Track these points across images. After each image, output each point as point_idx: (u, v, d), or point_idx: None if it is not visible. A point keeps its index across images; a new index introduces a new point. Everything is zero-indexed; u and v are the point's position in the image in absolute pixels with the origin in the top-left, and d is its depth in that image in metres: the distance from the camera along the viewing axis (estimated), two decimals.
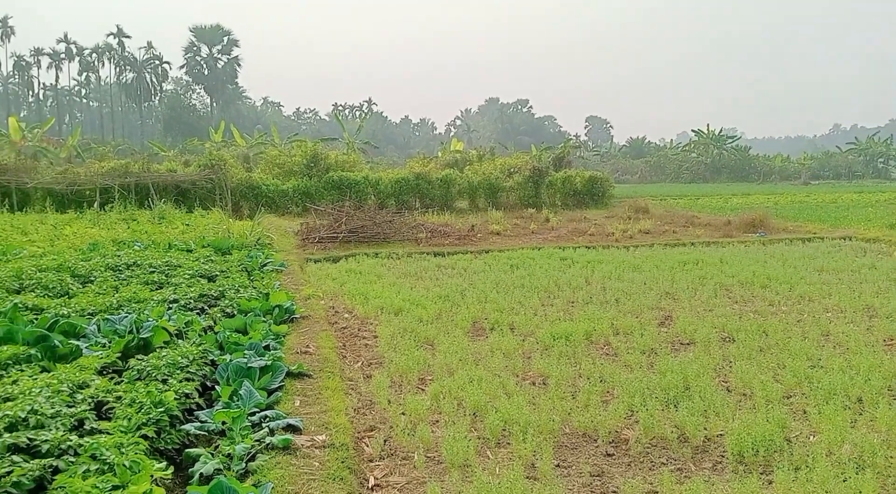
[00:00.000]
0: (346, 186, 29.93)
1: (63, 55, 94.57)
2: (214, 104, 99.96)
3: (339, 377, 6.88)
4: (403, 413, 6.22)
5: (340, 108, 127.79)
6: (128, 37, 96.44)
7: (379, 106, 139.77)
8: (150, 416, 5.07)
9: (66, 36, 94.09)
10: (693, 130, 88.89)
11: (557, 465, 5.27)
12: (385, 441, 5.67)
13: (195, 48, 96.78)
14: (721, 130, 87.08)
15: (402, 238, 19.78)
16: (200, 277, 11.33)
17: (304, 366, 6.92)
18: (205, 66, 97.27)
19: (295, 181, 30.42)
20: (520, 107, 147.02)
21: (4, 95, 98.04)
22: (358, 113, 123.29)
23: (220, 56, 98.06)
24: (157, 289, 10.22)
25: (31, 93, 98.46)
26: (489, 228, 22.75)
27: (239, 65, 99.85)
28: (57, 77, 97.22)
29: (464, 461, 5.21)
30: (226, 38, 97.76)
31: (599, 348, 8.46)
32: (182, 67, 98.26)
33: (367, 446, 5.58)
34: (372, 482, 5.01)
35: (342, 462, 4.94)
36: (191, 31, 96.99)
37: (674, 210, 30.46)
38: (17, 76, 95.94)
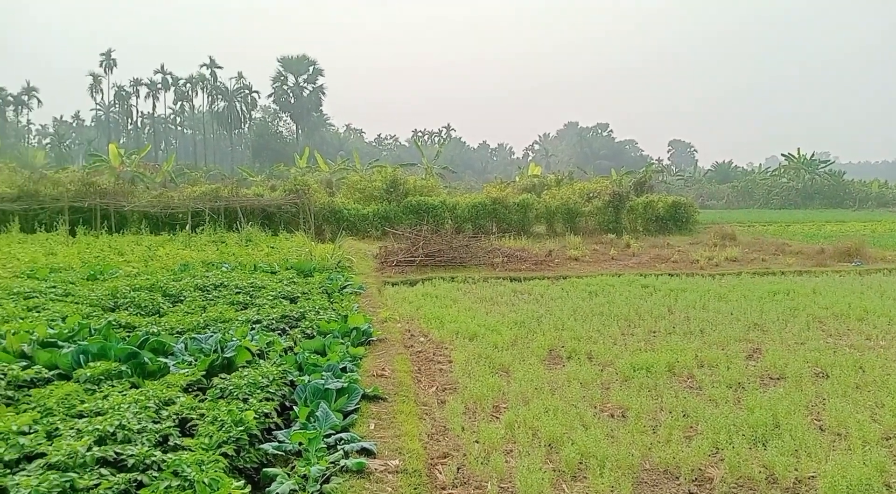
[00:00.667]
0: (424, 210, 30.28)
1: (160, 85, 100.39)
2: (300, 131, 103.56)
3: (413, 402, 6.88)
4: (477, 441, 6.14)
5: (420, 133, 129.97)
6: (219, 67, 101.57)
7: (457, 131, 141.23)
8: (231, 434, 5.19)
9: (162, 67, 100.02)
10: (783, 154, 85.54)
11: None
12: (458, 468, 5.61)
13: (282, 78, 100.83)
14: (813, 155, 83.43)
15: (479, 263, 19.77)
16: (283, 298, 11.64)
17: (379, 389, 6.96)
18: (291, 94, 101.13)
19: (375, 206, 31.01)
20: (599, 131, 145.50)
21: (106, 123, 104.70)
22: (437, 138, 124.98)
23: (305, 85, 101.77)
24: (241, 309, 10.56)
25: (130, 121, 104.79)
26: (567, 253, 22.46)
27: (323, 93, 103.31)
28: (154, 106, 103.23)
29: (538, 493, 5.08)
30: (311, 68, 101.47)
31: (682, 380, 8.14)
32: (270, 95, 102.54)
33: (440, 473, 5.53)
34: None
35: (415, 489, 4.91)
36: (278, 61, 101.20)
37: (762, 237, 29.25)
38: (117, 105, 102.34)
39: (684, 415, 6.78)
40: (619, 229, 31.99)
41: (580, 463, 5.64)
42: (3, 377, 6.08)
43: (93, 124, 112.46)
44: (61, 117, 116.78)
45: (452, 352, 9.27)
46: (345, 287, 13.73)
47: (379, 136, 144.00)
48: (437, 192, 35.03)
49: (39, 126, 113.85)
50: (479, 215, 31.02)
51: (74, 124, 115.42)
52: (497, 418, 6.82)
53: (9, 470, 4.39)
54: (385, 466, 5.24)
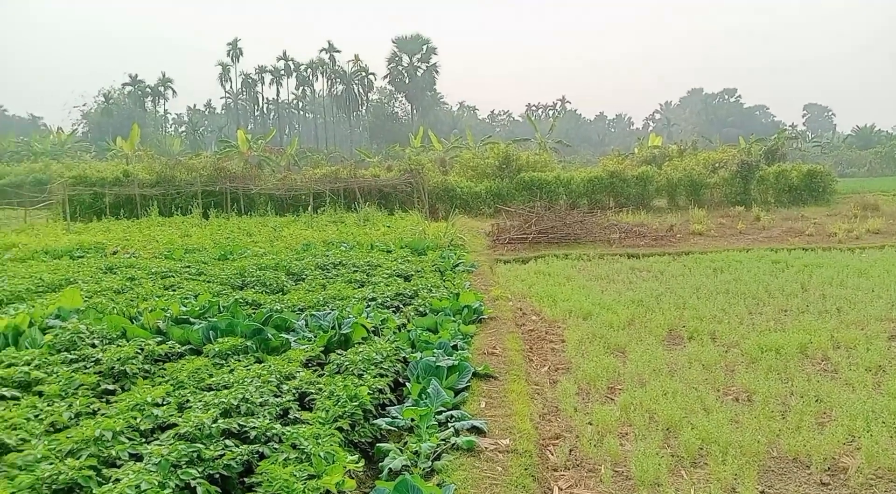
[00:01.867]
0: (537, 186, 29.88)
1: (283, 72, 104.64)
2: (414, 111, 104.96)
3: (524, 381, 6.81)
4: (590, 423, 5.99)
5: (534, 108, 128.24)
6: (338, 51, 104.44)
7: (573, 104, 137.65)
8: (346, 409, 5.34)
9: (284, 54, 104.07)
10: None
11: (762, 492, 4.76)
12: (570, 450, 5.49)
13: (397, 58, 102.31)
14: None
15: (594, 239, 19.29)
16: (397, 276, 11.86)
17: (490, 367, 6.94)
18: (406, 75, 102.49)
19: (487, 183, 30.94)
20: (726, 97, 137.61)
21: (235, 110, 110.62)
22: (551, 112, 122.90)
23: (419, 65, 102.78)
24: (358, 287, 10.86)
25: (256, 107, 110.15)
26: (690, 227, 21.47)
27: (437, 72, 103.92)
28: (278, 92, 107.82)
29: (655, 479, 4.88)
30: (425, 47, 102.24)
31: (816, 363, 7.57)
32: (385, 77, 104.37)
33: (552, 454, 5.44)
34: (556, 492, 4.87)
35: (525, 469, 4.86)
36: (393, 42, 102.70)
37: None
38: (245, 93, 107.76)
39: (817, 400, 6.30)
40: (747, 201, 30.20)
41: (700, 449, 5.37)
42: (140, 351, 6.55)
43: (223, 112, 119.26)
44: (194, 106, 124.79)
45: (565, 331, 9.10)
46: (457, 265, 13.81)
47: (492, 112, 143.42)
48: (550, 167, 34.46)
49: (175, 115, 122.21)
50: (594, 189, 30.25)
51: (206, 112, 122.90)
52: (611, 399, 6.63)
53: (144, 439, 4.73)
54: (496, 445, 5.22)
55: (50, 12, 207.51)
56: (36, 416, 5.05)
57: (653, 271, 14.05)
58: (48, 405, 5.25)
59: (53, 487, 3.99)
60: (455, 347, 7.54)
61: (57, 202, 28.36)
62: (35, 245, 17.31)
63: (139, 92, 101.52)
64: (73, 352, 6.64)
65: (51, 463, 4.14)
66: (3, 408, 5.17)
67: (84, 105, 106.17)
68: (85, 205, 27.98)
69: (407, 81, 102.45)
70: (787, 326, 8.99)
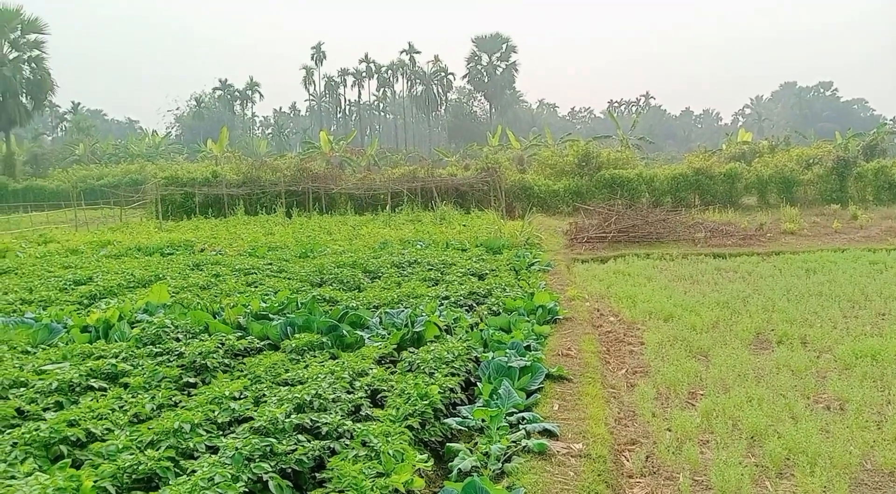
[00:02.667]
0: (618, 184, 29.21)
1: (364, 74, 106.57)
2: (493, 110, 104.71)
3: (600, 384, 6.61)
4: (669, 429, 5.75)
5: (616, 104, 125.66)
6: (417, 52, 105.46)
7: (657, 99, 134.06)
8: (416, 408, 5.32)
9: (366, 56, 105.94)
10: None
11: None
12: (647, 457, 5.29)
13: (476, 57, 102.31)
14: None
15: (678, 238, 18.67)
16: (471, 275, 11.81)
17: (563, 369, 6.78)
18: (485, 73, 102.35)
19: (566, 181, 30.48)
20: (822, 90, 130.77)
21: (318, 112, 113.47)
22: (634, 108, 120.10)
23: (498, 63, 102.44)
24: (432, 285, 10.87)
25: (339, 109, 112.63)
26: (781, 226, 20.47)
27: (516, 70, 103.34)
28: (359, 94, 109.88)
29: (737, 490, 4.63)
30: (504, 46, 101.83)
31: None
32: (464, 76, 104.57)
33: (627, 460, 5.25)
34: None
35: (599, 475, 4.70)
36: (472, 41, 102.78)
37: None
38: (328, 95, 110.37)
39: None
40: (843, 199, 28.54)
41: (787, 459, 5.06)
42: (221, 346, 6.75)
43: (307, 114, 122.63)
44: (280, 109, 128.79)
45: (645, 333, 8.81)
46: (532, 264, 13.64)
47: (572, 109, 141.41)
48: (632, 164, 33.61)
49: (262, 118, 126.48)
50: (679, 187, 29.29)
51: (291, 115, 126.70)
52: (692, 405, 6.35)
53: (220, 432, 4.86)
54: (568, 449, 5.08)
55: (147, 23, 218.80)
56: (121, 407, 5.27)
57: (740, 271, 13.45)
58: (132, 397, 5.48)
59: (133, 476, 4.14)
60: (528, 347, 7.42)
61: (150, 202, 29.82)
62: (129, 242, 18.23)
63: (228, 96, 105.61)
64: (158, 346, 6.91)
65: (132, 454, 4.30)
66: (91, 399, 5.42)
67: (177, 109, 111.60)
68: (176, 204, 29.30)
69: (486, 80, 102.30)
70: (884, 331, 8.41)
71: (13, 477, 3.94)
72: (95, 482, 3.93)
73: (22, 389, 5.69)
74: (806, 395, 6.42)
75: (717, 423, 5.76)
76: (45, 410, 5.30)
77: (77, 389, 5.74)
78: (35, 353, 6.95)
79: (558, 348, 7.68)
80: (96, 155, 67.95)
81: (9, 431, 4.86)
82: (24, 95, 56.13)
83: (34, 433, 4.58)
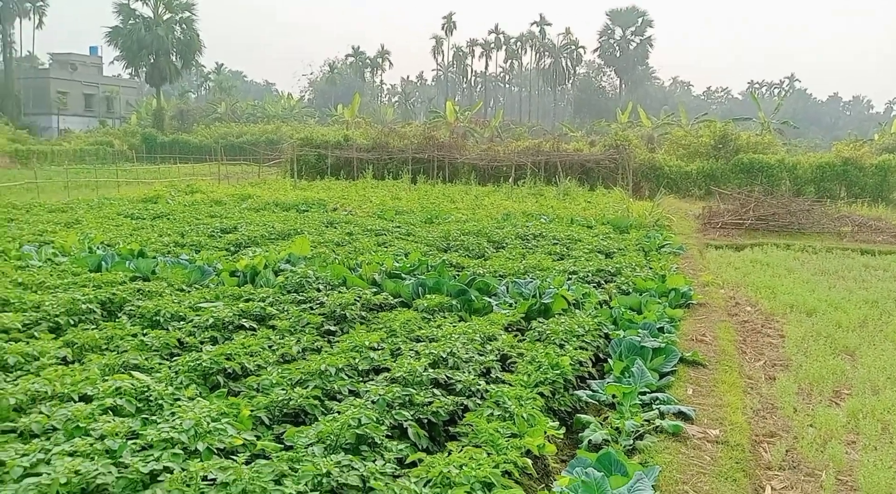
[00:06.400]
0: (756, 169, 27.58)
1: (493, 45, 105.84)
2: (623, 86, 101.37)
3: (737, 373, 6.36)
4: (811, 425, 5.46)
5: (756, 85, 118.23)
6: (548, 24, 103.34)
7: (802, 82, 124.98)
8: (547, 376, 5.34)
9: (496, 27, 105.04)
10: None
11: None
12: (787, 451, 5.05)
13: (609, 31, 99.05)
14: None
15: (821, 230, 17.46)
16: (598, 252, 11.61)
17: (699, 354, 6.57)
18: (617, 48, 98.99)
19: (700, 163, 29.13)
20: None
21: (445, 82, 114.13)
22: (776, 91, 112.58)
23: (632, 38, 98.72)
24: (558, 260, 10.78)
25: (464, 80, 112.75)
26: None
27: (651, 46, 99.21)
28: (486, 65, 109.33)
29: None
30: (640, 20, 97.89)
31: None
32: (595, 50, 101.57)
33: (766, 452, 5.04)
34: (768, 491, 4.51)
35: (737, 463, 4.55)
36: (606, 14, 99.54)
37: None
38: (455, 65, 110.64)
39: None
40: None
41: None
42: (358, 299, 7.03)
43: (433, 83, 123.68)
44: (408, 77, 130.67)
45: (785, 326, 8.36)
46: (662, 246, 13.21)
47: (708, 88, 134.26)
48: (773, 149, 31.59)
49: (390, 86, 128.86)
50: (824, 176, 27.27)
51: (418, 84, 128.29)
52: (837, 404, 5.99)
53: (360, 378, 5.08)
54: (704, 434, 4.94)
55: None
56: (270, 347, 5.63)
57: (891, 270, 12.43)
58: (280, 339, 5.83)
59: (284, 410, 4.42)
60: (661, 329, 7.23)
61: (286, 161, 31.25)
62: (267, 197, 19.26)
63: (360, 63, 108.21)
64: (300, 294, 7.31)
65: (283, 389, 4.59)
66: (243, 337, 5.82)
67: (311, 74, 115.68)
68: (310, 165, 30.54)
69: (618, 55, 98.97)
70: None
71: (179, 400, 4.30)
72: (252, 411, 4.24)
73: (181, 322, 6.20)
74: None
75: (865, 424, 5.41)
76: (202, 343, 5.75)
77: (230, 327, 6.18)
78: (189, 291, 7.53)
79: (692, 333, 7.44)
80: (236, 114, 71.85)
81: (171, 358, 5.33)
82: (174, 54, 59.95)
83: (195, 362, 4.99)
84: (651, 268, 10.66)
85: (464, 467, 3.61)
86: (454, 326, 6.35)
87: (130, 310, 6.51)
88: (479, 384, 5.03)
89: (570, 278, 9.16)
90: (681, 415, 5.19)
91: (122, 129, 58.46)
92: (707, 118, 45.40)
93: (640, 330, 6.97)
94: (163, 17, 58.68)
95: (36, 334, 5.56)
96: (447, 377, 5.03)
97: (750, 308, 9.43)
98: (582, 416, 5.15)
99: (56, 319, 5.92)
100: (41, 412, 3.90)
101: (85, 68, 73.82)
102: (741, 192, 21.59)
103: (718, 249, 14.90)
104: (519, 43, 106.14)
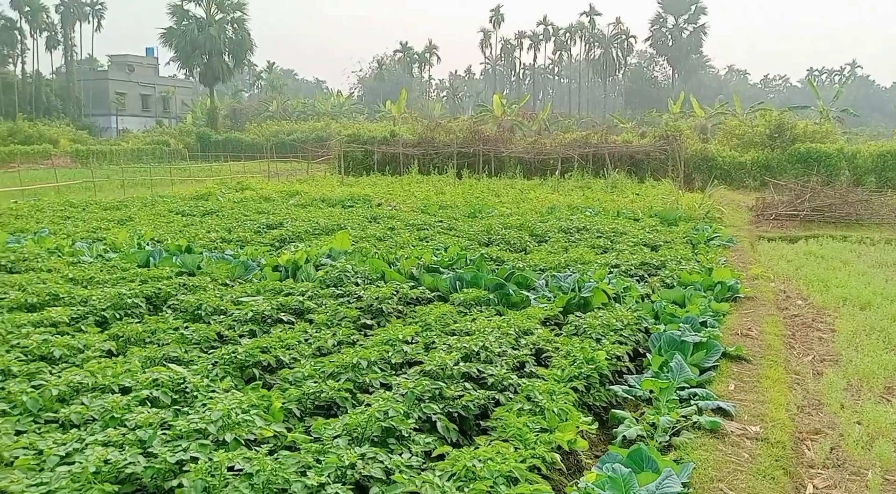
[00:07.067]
0: (813, 159, 26.63)
1: (541, 37, 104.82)
2: (675, 75, 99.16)
3: (782, 368, 6.16)
4: (859, 422, 5.24)
5: (816, 72, 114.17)
6: (598, 14, 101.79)
7: (864, 68, 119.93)
8: (582, 371, 5.27)
9: (544, 18, 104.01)
10: None
11: None
12: (832, 448, 4.87)
13: (661, 19, 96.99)
14: None
15: (881, 222, 16.78)
16: (644, 245, 11.40)
17: (742, 349, 6.39)
18: (669, 37, 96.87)
19: (754, 153, 28.29)
20: None
21: (492, 76, 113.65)
22: (837, 78, 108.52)
23: (685, 26, 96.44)
24: (601, 253, 10.63)
25: (512, 72, 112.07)
26: None
27: (704, 33, 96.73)
28: (535, 57, 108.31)
29: None
30: (693, 7, 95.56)
31: None
32: (647, 39, 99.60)
33: (809, 449, 4.87)
34: (810, 490, 4.36)
35: (776, 461, 4.41)
36: (658, 2, 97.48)
37: None
38: (503, 58, 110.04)
39: None
40: None
41: None
42: (395, 293, 7.07)
43: (481, 77, 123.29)
44: (455, 72, 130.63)
45: (837, 320, 8.06)
46: (712, 239, 12.88)
47: (765, 76, 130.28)
48: (832, 138, 30.46)
49: (438, 80, 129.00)
50: (886, 166, 26.14)
51: (466, 78, 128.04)
52: (888, 401, 5.75)
53: (393, 372, 5.11)
54: (744, 431, 4.81)
55: None
56: (306, 340, 5.72)
57: None
58: (316, 332, 5.91)
59: (315, 402, 4.48)
60: (704, 323, 7.04)
61: (334, 157, 31.64)
62: (314, 194, 19.53)
63: (408, 58, 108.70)
64: (339, 288, 7.39)
65: (315, 382, 4.65)
66: (280, 330, 5.92)
67: (360, 70, 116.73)
68: (357, 161, 30.86)
69: (670, 44, 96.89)
70: None
71: (213, 392, 4.40)
72: (283, 403, 4.30)
73: (222, 316, 6.35)
74: None
75: None
76: (240, 336, 5.88)
77: (269, 320, 6.30)
78: (232, 286, 7.71)
79: (737, 327, 7.24)
80: (287, 112, 73.06)
81: (210, 351, 5.45)
82: (226, 53, 61.27)
83: (232, 355, 5.10)
84: (698, 261, 10.41)
85: (489, 461, 3.59)
86: (489, 320, 6.33)
87: (174, 304, 6.69)
88: (511, 378, 4.99)
89: (611, 272, 9.02)
90: (720, 411, 5.06)
91: (177, 128, 60.14)
92: (763, 107, 44.05)
93: (681, 324, 6.80)
94: (215, 18, 59.99)
95: (83, 327, 5.77)
96: (478, 370, 5.02)
97: (801, 302, 9.12)
98: (617, 411, 5.07)
99: (103, 313, 6.14)
100: (82, 403, 4.04)
101: (142, 69, 76.16)
102: (797, 182, 20.92)
103: (771, 241, 14.46)
104: (568, 34, 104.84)
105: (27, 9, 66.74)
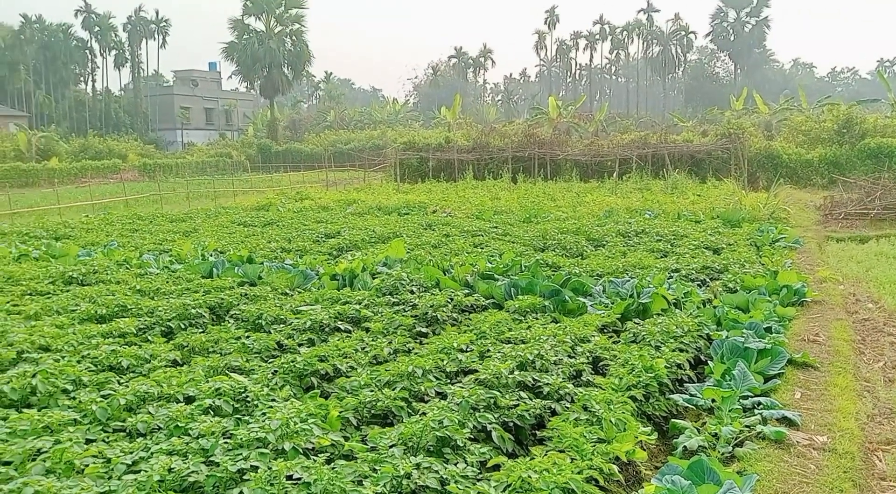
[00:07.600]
0: (885, 154, 25.50)
1: (597, 36, 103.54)
2: (738, 71, 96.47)
3: (852, 376, 5.92)
4: None
5: (888, 63, 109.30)
6: (656, 11, 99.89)
7: None
8: (640, 379, 5.18)
9: (601, 17, 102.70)
10: None
11: None
12: None
13: (722, 14, 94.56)
14: None
15: None
16: (705, 248, 11.14)
17: (809, 356, 6.17)
18: (731, 31, 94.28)
19: (822, 150, 27.28)
20: None
21: (548, 77, 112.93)
22: None
23: (747, 20, 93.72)
24: (661, 257, 10.44)
25: (568, 73, 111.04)
26: None
27: (768, 27, 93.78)
28: (591, 57, 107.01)
29: None
30: (755, 0, 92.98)
31: None
32: (707, 35, 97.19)
33: (880, 461, 4.66)
34: None
35: (845, 472, 4.24)
36: None
37: None
38: (558, 59, 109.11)
39: None
40: None
41: None
42: (450, 301, 7.11)
43: (536, 80, 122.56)
44: (510, 75, 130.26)
45: None
46: (777, 241, 12.48)
47: (833, 69, 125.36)
48: None
49: (493, 84, 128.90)
50: None
51: (521, 81, 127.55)
52: None
53: (448, 380, 5.14)
54: (810, 441, 4.64)
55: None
56: (363, 348, 5.80)
57: None
58: (373, 340, 5.99)
59: (372, 411, 4.54)
60: (768, 329, 6.83)
61: (390, 165, 31.99)
62: (371, 202, 19.79)
63: (462, 63, 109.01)
64: (395, 296, 7.48)
65: (371, 391, 4.72)
66: (338, 339, 6.02)
67: (415, 77, 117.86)
68: (412, 168, 31.11)
69: (732, 39, 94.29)
70: None
71: (273, 400, 4.51)
72: (340, 412, 4.38)
73: (281, 325, 6.50)
74: None
75: None
76: (299, 345, 6.00)
77: (326, 329, 6.41)
78: (292, 295, 7.88)
79: (804, 332, 6.99)
80: (344, 121, 74.25)
81: (270, 360, 5.59)
82: (285, 65, 62.71)
83: (291, 364, 5.21)
84: (762, 264, 10.10)
85: (545, 472, 3.57)
86: (544, 327, 6.29)
87: (235, 314, 6.89)
88: (568, 387, 4.96)
89: (671, 277, 8.84)
90: (785, 421, 4.90)
91: (239, 140, 61.90)
92: (831, 101, 42.46)
93: (744, 330, 6.62)
94: (274, 31, 61.49)
95: (149, 337, 6.00)
96: (534, 379, 5.00)
97: (871, 305, 8.74)
98: (678, 421, 4.97)
99: (168, 323, 6.37)
100: (148, 412, 4.20)
101: (205, 84, 78.69)
102: (867, 179, 20.06)
103: (840, 242, 13.92)
104: (625, 32, 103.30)
105: (97, 28, 69.98)
